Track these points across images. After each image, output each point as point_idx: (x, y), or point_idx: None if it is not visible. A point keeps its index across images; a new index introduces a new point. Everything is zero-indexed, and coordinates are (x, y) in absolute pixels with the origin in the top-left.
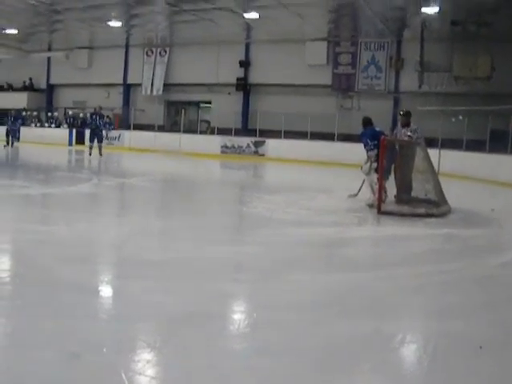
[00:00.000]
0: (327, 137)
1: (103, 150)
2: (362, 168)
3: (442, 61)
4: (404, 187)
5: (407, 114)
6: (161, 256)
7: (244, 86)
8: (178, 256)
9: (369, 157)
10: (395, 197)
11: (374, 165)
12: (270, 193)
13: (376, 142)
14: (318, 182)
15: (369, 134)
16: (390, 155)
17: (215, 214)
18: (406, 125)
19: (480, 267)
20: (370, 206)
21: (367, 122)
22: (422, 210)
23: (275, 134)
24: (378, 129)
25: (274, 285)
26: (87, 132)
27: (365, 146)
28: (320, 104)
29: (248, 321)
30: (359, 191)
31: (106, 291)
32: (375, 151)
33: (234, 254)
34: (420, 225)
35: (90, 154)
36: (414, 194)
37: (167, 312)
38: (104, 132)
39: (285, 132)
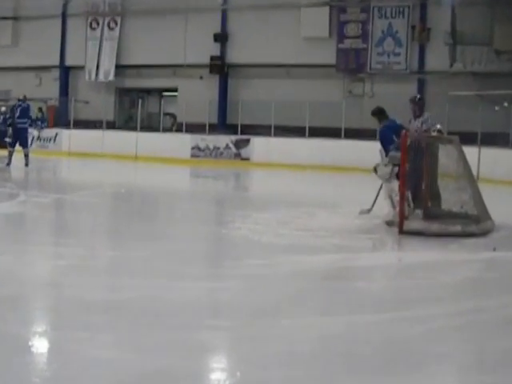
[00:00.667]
0: (331, 133)
1: (31, 156)
2: (376, 170)
3: (479, 31)
4: (432, 198)
5: (420, 102)
6: (111, 297)
7: (220, 68)
8: (134, 296)
9: (390, 158)
10: (422, 211)
11: (396, 169)
12: (257, 209)
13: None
14: (319, 194)
15: (392, 129)
16: (414, 156)
17: (184, 238)
18: (420, 115)
19: None
20: (390, 223)
21: (380, 114)
22: (457, 228)
23: (263, 130)
24: (398, 122)
25: (261, 333)
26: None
27: (387, 146)
28: (321, 90)
29: (229, 382)
30: (374, 205)
31: (38, 345)
32: (394, 154)
33: (209, 291)
34: (454, 247)
35: (8, 164)
36: (445, 206)
37: (120, 372)
38: (33, 131)
39: (275, 128)
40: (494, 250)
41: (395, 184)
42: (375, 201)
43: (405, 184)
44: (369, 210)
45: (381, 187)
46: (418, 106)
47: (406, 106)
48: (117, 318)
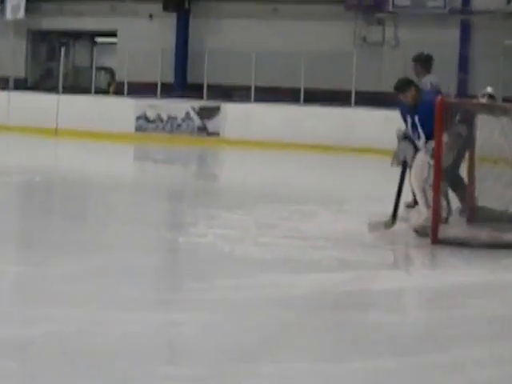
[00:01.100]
0: (337, 98)
1: None
2: (395, 161)
3: None
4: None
5: (427, 60)
6: (20, 333)
7: (179, 3)
8: (53, 332)
9: (426, 150)
10: (466, 211)
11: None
12: (230, 207)
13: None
14: (318, 186)
15: (425, 108)
16: (460, 137)
17: (126, 249)
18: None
19: None
20: (421, 231)
21: (426, 64)
22: None
23: (239, 93)
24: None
25: None
26: None
27: (415, 131)
28: (323, 36)
29: None
30: (396, 212)
31: None
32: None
33: (162, 326)
34: (509, 265)
35: None
36: (498, 205)
37: None
38: None
39: (257, 90)
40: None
41: (431, 173)
42: (397, 206)
43: (441, 172)
44: (387, 225)
45: (401, 183)
46: (425, 67)
47: (445, 60)
48: (28, 363)
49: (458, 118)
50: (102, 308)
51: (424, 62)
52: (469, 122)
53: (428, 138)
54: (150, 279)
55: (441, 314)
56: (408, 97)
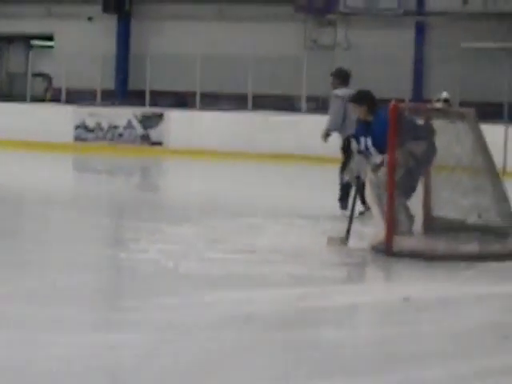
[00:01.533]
0: (287, 104)
1: None
2: (348, 175)
3: None
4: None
5: (343, 76)
6: None
7: (120, 3)
8: None
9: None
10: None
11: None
12: (174, 221)
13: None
14: (268, 197)
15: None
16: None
17: (61, 266)
18: None
19: None
20: (378, 248)
21: (370, 101)
22: (472, 247)
23: (183, 100)
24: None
25: None
26: None
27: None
28: (272, 39)
29: None
30: (349, 232)
31: None
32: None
33: (98, 349)
34: (467, 277)
35: None
36: (456, 214)
37: None
38: None
39: (203, 96)
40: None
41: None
42: (351, 221)
43: (394, 181)
44: (342, 241)
45: (355, 199)
46: (340, 81)
47: (398, 64)
48: None
49: (411, 135)
50: (34, 330)
51: (339, 77)
52: (427, 138)
53: (382, 152)
54: (87, 298)
55: (395, 331)
56: (357, 112)
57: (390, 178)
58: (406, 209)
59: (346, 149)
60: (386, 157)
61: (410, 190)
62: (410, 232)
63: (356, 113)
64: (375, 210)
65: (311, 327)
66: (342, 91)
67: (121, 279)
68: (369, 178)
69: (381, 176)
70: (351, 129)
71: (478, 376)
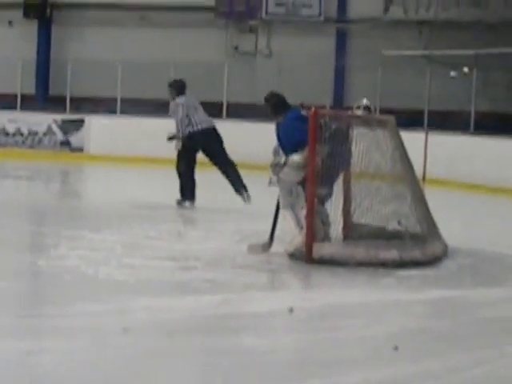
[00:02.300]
0: (208, 110)
1: None
2: (275, 171)
3: None
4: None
5: (179, 86)
6: None
7: (41, 9)
8: None
9: (292, 163)
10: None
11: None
12: (94, 227)
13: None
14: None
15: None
16: (331, 146)
17: None
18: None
19: (503, 365)
20: (295, 255)
21: (282, 106)
22: (391, 254)
23: (104, 105)
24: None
25: None
26: None
27: (297, 143)
28: (194, 45)
29: None
30: (272, 238)
31: None
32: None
33: (16, 356)
34: (388, 283)
35: None
36: (375, 221)
37: None
38: None
39: (123, 101)
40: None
41: (302, 195)
42: (274, 227)
43: (314, 188)
44: (264, 247)
45: (278, 204)
46: (177, 90)
47: (319, 71)
48: None
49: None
50: None
51: (176, 88)
52: (336, 140)
53: (287, 153)
54: (4, 304)
55: (313, 338)
56: (269, 110)
57: (309, 184)
58: (321, 214)
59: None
60: (288, 158)
61: (323, 195)
62: (327, 238)
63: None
64: (288, 214)
65: (230, 334)
66: (181, 99)
67: (40, 286)
68: (282, 183)
69: (282, 177)
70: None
71: (396, 382)
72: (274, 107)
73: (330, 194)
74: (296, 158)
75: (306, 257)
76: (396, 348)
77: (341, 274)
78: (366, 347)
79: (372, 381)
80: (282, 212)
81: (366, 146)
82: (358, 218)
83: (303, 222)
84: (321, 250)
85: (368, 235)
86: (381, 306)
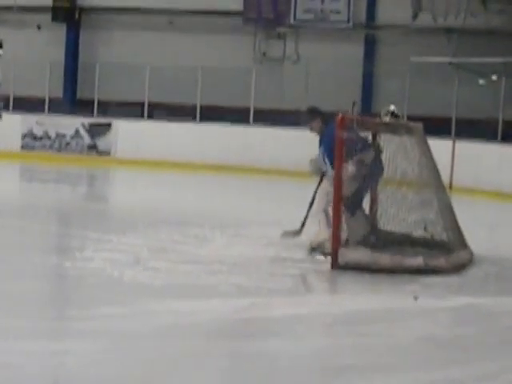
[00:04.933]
0: (236, 116)
1: None
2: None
3: None
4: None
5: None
6: None
7: (69, 13)
8: None
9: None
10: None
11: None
12: (120, 230)
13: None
14: (214, 209)
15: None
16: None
17: (5, 275)
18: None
19: None
20: (317, 248)
21: (311, 115)
22: (417, 261)
23: (131, 110)
24: None
25: None
26: None
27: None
28: (222, 51)
29: None
30: (304, 224)
31: None
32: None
33: (42, 357)
34: (413, 290)
35: None
36: (401, 228)
37: None
38: None
39: (150, 106)
40: (416, 299)
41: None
42: (306, 219)
43: (341, 193)
44: (296, 233)
45: (313, 198)
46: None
47: (347, 78)
48: None
49: (359, 145)
50: None
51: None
52: (373, 146)
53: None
54: (31, 307)
55: (338, 343)
56: (313, 126)
57: (336, 190)
58: (357, 220)
59: None
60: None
61: (357, 204)
62: (359, 243)
63: (311, 127)
64: (322, 217)
65: (255, 338)
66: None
67: (66, 288)
68: (322, 188)
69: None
70: None
71: None
72: (323, 120)
73: (361, 203)
74: (348, 169)
75: (332, 263)
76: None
77: (366, 280)
78: (390, 354)
79: None
80: (315, 214)
81: (393, 153)
82: (384, 224)
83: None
84: (346, 255)
85: (394, 242)
86: (405, 312)
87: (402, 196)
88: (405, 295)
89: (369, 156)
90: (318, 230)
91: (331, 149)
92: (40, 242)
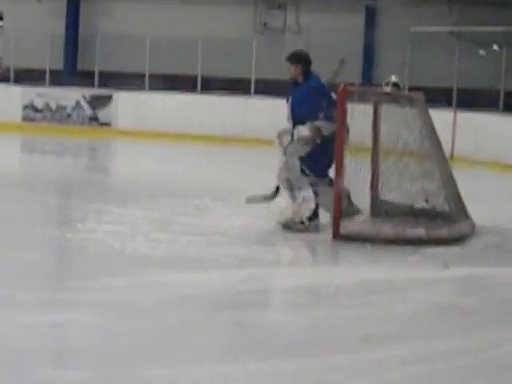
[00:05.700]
0: (236, 87)
1: None
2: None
3: None
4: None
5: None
6: None
7: None
8: None
9: (318, 128)
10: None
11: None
12: (121, 202)
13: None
14: (216, 179)
15: (321, 93)
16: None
17: (8, 246)
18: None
19: None
20: (286, 225)
21: (305, 63)
22: (419, 232)
23: (132, 81)
24: (323, 81)
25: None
26: None
27: (313, 114)
28: (222, 21)
29: None
30: (277, 191)
31: None
32: (326, 124)
33: (43, 328)
34: (415, 260)
35: None
36: (403, 199)
37: None
38: None
39: (151, 77)
40: (447, 266)
41: (297, 163)
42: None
43: (342, 161)
44: (270, 197)
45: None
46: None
47: (349, 48)
48: None
49: (322, 114)
50: None
51: (304, 62)
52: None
53: (296, 122)
54: (33, 278)
55: (339, 314)
56: (291, 71)
57: (337, 158)
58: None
59: None
60: (296, 132)
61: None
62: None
63: (290, 71)
64: (285, 185)
65: (256, 309)
66: None
67: (67, 259)
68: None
69: (289, 151)
70: None
71: (419, 358)
72: (305, 68)
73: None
74: (303, 132)
75: (333, 232)
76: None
77: (367, 251)
78: (392, 324)
79: (397, 357)
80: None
81: (395, 123)
82: (386, 195)
83: (298, 193)
84: (349, 226)
85: (395, 212)
86: (407, 283)
87: (403, 166)
88: (406, 266)
89: (327, 128)
90: (283, 206)
91: (302, 100)
92: (41, 214)
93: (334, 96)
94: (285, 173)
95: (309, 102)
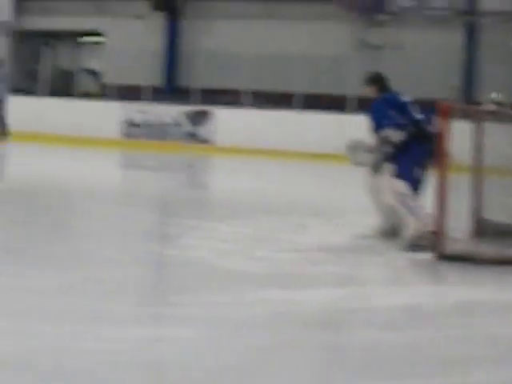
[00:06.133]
0: (334, 103)
1: None
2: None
3: None
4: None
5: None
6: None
7: (170, 1)
8: (25, 347)
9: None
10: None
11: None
12: (222, 218)
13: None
14: (312, 196)
15: (391, 103)
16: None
17: (110, 262)
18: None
19: None
20: (414, 243)
21: (380, 83)
22: None
23: (231, 98)
24: (405, 99)
25: None
26: None
27: (380, 122)
28: (320, 38)
29: None
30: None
31: None
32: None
33: (144, 343)
34: None
35: None
36: (505, 217)
37: None
38: None
39: (251, 94)
40: None
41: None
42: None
43: (445, 179)
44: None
45: None
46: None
47: (448, 65)
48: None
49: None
50: (80, 323)
51: (379, 81)
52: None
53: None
54: (134, 293)
55: (440, 334)
56: (368, 92)
57: (440, 176)
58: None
59: None
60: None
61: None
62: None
63: (367, 93)
64: (398, 206)
65: (355, 328)
66: None
67: (168, 275)
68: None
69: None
70: None
71: None
72: (380, 87)
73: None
74: (367, 141)
75: (438, 252)
76: None
77: (469, 271)
78: (494, 346)
79: (497, 380)
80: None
81: (498, 141)
82: (488, 214)
83: (415, 211)
84: (450, 245)
85: (499, 232)
86: (508, 305)
87: (507, 184)
88: (509, 287)
89: (397, 136)
90: (408, 225)
91: (376, 110)
92: (142, 230)
93: (409, 108)
94: (393, 194)
95: (378, 112)
